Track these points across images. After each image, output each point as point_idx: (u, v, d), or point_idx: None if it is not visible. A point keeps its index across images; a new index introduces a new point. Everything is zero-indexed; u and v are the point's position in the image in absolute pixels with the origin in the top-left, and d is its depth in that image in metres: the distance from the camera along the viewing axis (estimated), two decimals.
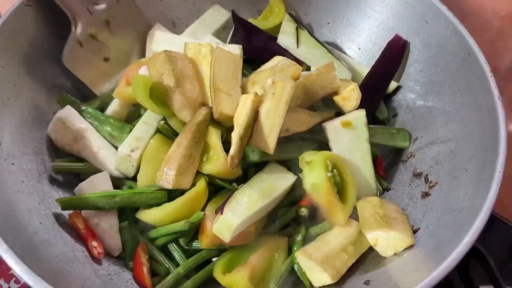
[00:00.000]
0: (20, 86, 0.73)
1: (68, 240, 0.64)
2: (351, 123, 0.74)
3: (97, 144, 0.74)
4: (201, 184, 0.68)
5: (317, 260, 0.63)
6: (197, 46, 0.76)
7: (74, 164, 0.75)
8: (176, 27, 0.94)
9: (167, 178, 0.66)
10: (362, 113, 0.75)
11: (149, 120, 0.74)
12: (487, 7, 1.22)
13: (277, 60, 0.79)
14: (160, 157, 0.70)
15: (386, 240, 0.64)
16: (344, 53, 0.92)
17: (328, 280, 0.63)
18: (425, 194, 0.71)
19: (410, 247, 0.64)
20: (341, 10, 0.92)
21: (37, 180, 0.69)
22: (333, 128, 0.73)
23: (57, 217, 0.67)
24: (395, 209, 0.68)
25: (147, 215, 0.68)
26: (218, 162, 0.68)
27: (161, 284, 0.65)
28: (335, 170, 0.69)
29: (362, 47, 0.91)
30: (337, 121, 0.73)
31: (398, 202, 0.74)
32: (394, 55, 0.84)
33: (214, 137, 0.70)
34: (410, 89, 0.83)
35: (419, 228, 0.67)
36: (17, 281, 0.81)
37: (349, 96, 0.75)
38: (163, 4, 0.92)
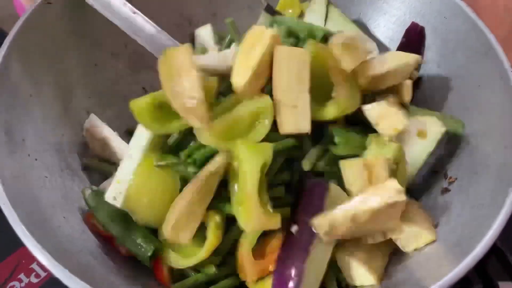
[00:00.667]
0: (41, 82, 0.73)
1: (90, 235, 0.65)
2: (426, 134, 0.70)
3: (120, 151, 0.74)
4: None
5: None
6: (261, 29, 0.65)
7: (103, 164, 0.76)
8: (192, 25, 0.94)
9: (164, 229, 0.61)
10: (442, 129, 0.70)
11: (134, 152, 0.66)
12: (499, 4, 1.22)
13: None
14: (150, 186, 0.63)
15: (408, 235, 0.64)
16: None
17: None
18: (445, 190, 0.71)
19: (431, 243, 0.64)
20: (357, 6, 0.92)
21: (59, 175, 0.70)
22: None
23: (79, 211, 0.68)
24: (417, 205, 0.68)
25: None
26: (249, 220, 0.58)
27: (181, 283, 0.66)
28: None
29: (378, 44, 0.91)
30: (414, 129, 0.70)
31: (418, 198, 0.74)
32: (413, 42, 0.83)
33: (249, 183, 0.58)
34: (429, 84, 0.83)
35: (439, 224, 0.68)
36: (38, 275, 0.83)
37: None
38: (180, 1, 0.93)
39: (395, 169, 0.65)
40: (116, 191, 0.64)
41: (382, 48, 0.88)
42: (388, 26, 0.89)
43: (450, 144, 0.74)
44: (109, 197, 0.65)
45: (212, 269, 0.63)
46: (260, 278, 0.63)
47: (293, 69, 0.61)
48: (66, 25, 0.78)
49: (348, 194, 0.64)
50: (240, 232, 0.62)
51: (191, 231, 0.60)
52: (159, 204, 0.63)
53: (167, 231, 0.60)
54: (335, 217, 0.59)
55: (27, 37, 0.72)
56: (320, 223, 0.60)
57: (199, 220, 0.61)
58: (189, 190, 0.60)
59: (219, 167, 0.60)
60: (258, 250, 0.63)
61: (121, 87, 0.87)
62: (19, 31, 0.70)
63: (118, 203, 0.64)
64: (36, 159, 0.67)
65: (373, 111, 0.68)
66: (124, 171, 0.65)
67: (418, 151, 0.70)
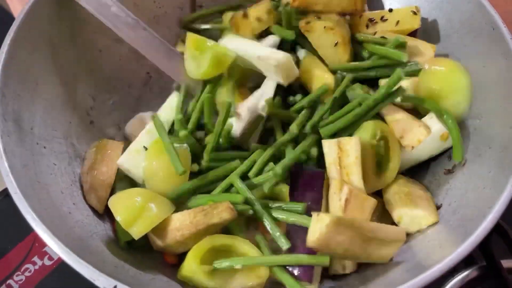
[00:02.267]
0: (47, 70, 0.74)
1: (99, 220, 0.67)
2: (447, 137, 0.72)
3: None
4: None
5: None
6: None
7: None
8: (195, 7, 0.94)
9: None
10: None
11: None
12: None
13: None
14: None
15: (411, 217, 0.65)
16: None
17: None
18: (448, 171, 0.71)
19: (434, 224, 0.65)
20: None
21: (68, 163, 0.72)
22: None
23: None
24: (419, 187, 0.69)
25: None
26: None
27: None
28: (382, 142, 0.68)
29: None
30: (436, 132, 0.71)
31: (421, 179, 0.74)
32: None
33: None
34: None
35: (442, 205, 0.68)
36: (51, 258, 0.85)
37: None
38: None
39: (383, 149, 0.68)
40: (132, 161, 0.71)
41: None
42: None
43: None
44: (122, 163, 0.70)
45: None
46: None
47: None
48: (70, 12, 0.78)
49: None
50: None
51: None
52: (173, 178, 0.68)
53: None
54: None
55: (32, 26, 0.72)
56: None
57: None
58: (186, 227, 0.63)
59: (228, 219, 0.63)
60: None
61: (125, 73, 0.87)
62: (24, 19, 0.71)
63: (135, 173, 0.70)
64: (44, 147, 0.69)
65: (398, 125, 0.70)
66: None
67: (434, 148, 0.72)
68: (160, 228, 0.64)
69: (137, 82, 0.89)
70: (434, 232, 0.65)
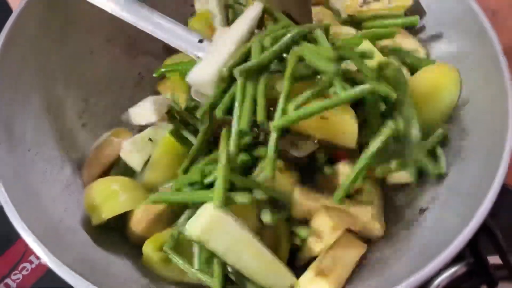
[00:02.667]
0: (39, 75, 0.75)
1: (91, 226, 0.68)
2: None
3: None
4: None
5: None
6: None
7: None
8: (187, 4, 0.94)
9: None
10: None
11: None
12: None
13: None
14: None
15: None
16: None
17: None
18: (435, 177, 0.72)
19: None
20: None
21: (60, 167, 0.73)
22: None
23: (80, 202, 0.71)
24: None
25: None
26: None
27: None
28: None
29: None
30: None
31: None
32: None
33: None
34: None
35: (427, 208, 0.69)
36: None
37: None
38: None
39: None
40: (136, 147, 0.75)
41: None
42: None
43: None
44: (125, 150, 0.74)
45: None
46: None
47: None
48: (59, 14, 0.78)
49: None
50: None
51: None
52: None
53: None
54: None
55: (22, 31, 0.73)
56: None
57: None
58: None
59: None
60: None
61: (117, 74, 0.88)
62: (13, 25, 0.71)
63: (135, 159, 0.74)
64: (36, 153, 0.70)
65: None
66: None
67: None
68: (128, 222, 0.69)
69: (129, 82, 0.89)
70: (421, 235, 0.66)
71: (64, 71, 0.80)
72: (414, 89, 0.72)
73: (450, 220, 0.64)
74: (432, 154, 0.71)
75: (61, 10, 0.78)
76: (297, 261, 0.69)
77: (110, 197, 0.68)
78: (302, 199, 0.67)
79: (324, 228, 0.65)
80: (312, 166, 0.70)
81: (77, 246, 0.63)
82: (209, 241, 0.58)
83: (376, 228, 0.69)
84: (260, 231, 0.65)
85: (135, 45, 0.89)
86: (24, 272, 0.87)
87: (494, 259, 0.84)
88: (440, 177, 0.71)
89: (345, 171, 0.68)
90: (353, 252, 0.68)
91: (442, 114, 0.74)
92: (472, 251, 0.86)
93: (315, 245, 0.66)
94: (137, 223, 0.68)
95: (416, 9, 0.83)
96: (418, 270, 0.56)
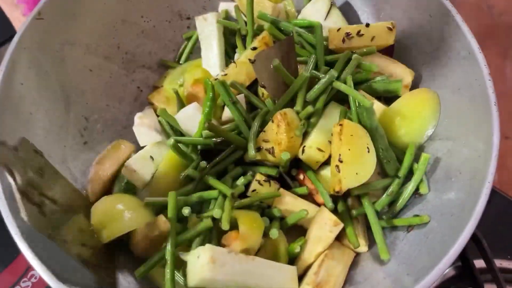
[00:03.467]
0: (40, 98, 0.77)
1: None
2: None
3: None
4: None
5: None
6: None
7: None
8: (182, 19, 0.95)
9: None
10: None
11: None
12: None
13: None
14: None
15: None
16: None
17: None
18: (420, 195, 0.76)
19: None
20: None
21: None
22: None
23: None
24: None
25: None
26: None
27: None
28: None
29: None
30: None
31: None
32: None
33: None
34: (413, 81, 0.84)
35: (413, 227, 0.73)
36: None
37: None
38: None
39: None
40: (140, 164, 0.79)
41: None
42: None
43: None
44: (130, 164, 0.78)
45: None
46: None
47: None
48: (58, 36, 0.81)
49: None
50: None
51: None
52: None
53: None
54: None
55: (23, 54, 0.75)
56: None
57: None
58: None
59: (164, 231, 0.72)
60: None
61: (116, 89, 0.90)
62: (15, 50, 0.73)
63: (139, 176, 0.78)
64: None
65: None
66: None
67: None
68: (131, 239, 0.74)
69: (128, 97, 0.92)
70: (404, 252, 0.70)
71: (64, 90, 0.82)
72: (395, 114, 0.78)
73: (436, 237, 0.68)
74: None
75: (58, 33, 0.80)
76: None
77: (115, 217, 0.71)
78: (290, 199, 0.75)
79: (327, 222, 0.71)
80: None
81: (79, 269, 0.66)
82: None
83: (361, 244, 0.73)
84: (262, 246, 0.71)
85: (132, 61, 0.92)
86: (33, 280, 0.91)
87: (479, 263, 0.89)
88: (425, 195, 0.75)
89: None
90: (344, 261, 0.72)
91: (421, 136, 0.78)
92: (459, 256, 0.91)
93: (315, 248, 0.72)
94: (138, 244, 0.71)
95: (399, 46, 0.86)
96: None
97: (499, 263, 0.91)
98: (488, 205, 0.97)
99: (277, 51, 0.77)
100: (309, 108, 0.75)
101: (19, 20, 1.14)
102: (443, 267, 0.60)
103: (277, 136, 0.73)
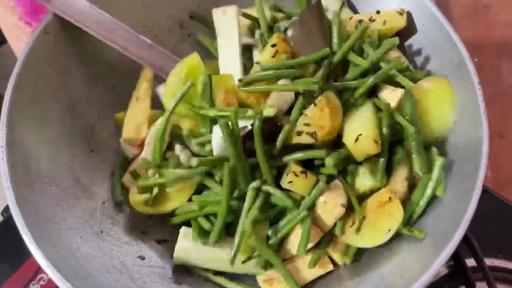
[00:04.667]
0: (49, 110, 0.80)
1: (106, 250, 0.76)
2: None
3: None
4: None
5: None
6: None
7: None
8: (183, 28, 0.98)
9: None
10: None
11: None
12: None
13: None
14: None
15: None
16: None
17: None
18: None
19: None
20: None
21: (74, 195, 0.79)
22: None
23: (92, 227, 0.78)
24: None
25: None
26: None
27: None
28: None
29: None
30: None
31: None
32: None
33: None
34: None
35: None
36: None
37: None
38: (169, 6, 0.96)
39: None
40: None
41: None
42: None
43: None
44: None
45: None
46: None
47: None
48: (65, 49, 0.84)
49: None
50: None
51: None
52: None
53: None
54: None
55: (32, 70, 0.77)
56: None
57: None
58: None
59: None
60: None
61: (122, 97, 0.92)
62: (22, 65, 0.76)
63: None
64: (51, 186, 0.76)
65: None
66: None
67: None
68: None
69: None
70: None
71: (72, 103, 0.85)
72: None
73: (428, 241, 0.71)
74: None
75: (64, 46, 0.83)
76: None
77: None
78: None
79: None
80: None
81: (94, 273, 0.70)
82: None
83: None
84: None
85: (136, 69, 0.94)
86: (42, 283, 0.95)
87: (471, 262, 0.92)
88: None
89: None
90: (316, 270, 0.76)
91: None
92: (452, 255, 0.94)
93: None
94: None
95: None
96: None
97: (491, 261, 0.95)
98: (480, 204, 1.01)
99: (310, 17, 0.77)
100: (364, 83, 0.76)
101: (15, 25, 1.14)
102: (435, 270, 0.64)
103: (320, 120, 0.73)
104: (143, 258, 0.79)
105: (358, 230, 0.73)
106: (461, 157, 0.74)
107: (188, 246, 0.77)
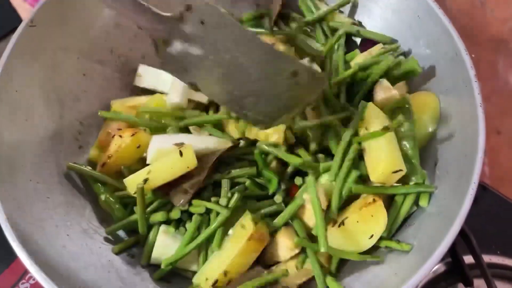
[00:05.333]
0: (35, 105, 0.78)
1: (94, 249, 0.74)
2: None
3: None
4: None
5: None
6: None
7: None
8: None
9: None
10: None
11: None
12: None
13: None
14: None
15: None
16: None
17: None
18: None
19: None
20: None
21: (60, 193, 0.77)
22: None
23: (80, 225, 0.76)
24: None
25: None
26: None
27: None
28: None
29: None
30: None
31: None
32: None
33: None
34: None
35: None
36: None
37: None
38: None
39: None
40: None
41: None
42: (365, 21, 0.91)
43: None
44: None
45: None
46: None
47: None
48: (51, 42, 0.81)
49: None
50: None
51: None
52: None
53: None
54: None
55: (17, 64, 0.76)
56: None
57: None
58: None
59: None
60: None
61: (110, 93, 0.91)
62: (8, 59, 0.74)
63: None
64: (37, 182, 0.74)
65: None
66: None
67: None
68: None
69: None
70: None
71: (59, 96, 0.83)
72: None
73: (423, 237, 0.69)
74: None
75: (51, 39, 0.81)
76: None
77: None
78: None
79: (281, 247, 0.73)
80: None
81: (80, 272, 0.68)
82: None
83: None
84: None
85: (126, 64, 0.92)
86: (32, 281, 0.93)
87: (469, 259, 0.90)
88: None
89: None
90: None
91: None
92: (450, 252, 0.93)
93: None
94: None
95: None
96: None
97: (489, 258, 0.93)
98: (478, 201, 0.99)
99: None
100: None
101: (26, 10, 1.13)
102: (430, 266, 0.62)
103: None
104: (132, 257, 0.77)
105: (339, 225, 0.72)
106: (458, 152, 0.72)
107: (167, 243, 0.75)
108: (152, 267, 0.76)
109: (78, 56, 0.86)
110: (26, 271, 0.94)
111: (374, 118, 0.74)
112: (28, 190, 0.72)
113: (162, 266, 0.73)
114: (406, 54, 0.86)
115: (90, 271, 0.69)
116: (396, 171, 0.71)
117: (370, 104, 0.76)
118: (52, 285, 0.61)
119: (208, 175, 0.74)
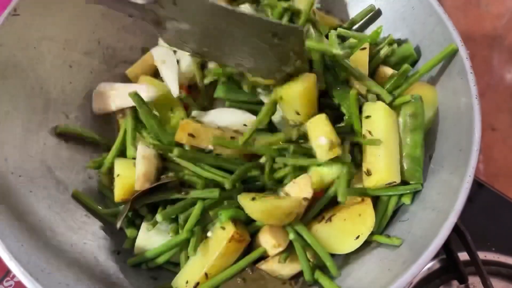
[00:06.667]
0: (18, 96, 0.76)
1: (79, 245, 0.71)
2: None
3: None
4: None
5: None
6: None
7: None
8: None
9: None
10: None
11: None
12: None
13: None
14: None
15: None
16: None
17: None
18: None
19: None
20: None
21: (44, 187, 0.74)
22: None
23: (65, 221, 0.74)
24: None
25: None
26: None
27: None
28: None
29: None
30: None
31: None
32: None
33: None
34: None
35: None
36: None
37: None
38: None
39: None
40: None
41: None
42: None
43: None
44: None
45: None
46: None
47: None
48: (36, 32, 0.79)
49: None
50: None
51: None
52: None
53: None
54: None
55: (0, 53, 0.73)
56: None
57: None
58: None
59: None
60: None
61: (97, 84, 0.88)
62: None
63: None
64: (20, 176, 0.72)
65: None
66: None
67: None
68: None
69: None
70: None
71: (43, 87, 0.81)
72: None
73: (417, 232, 0.68)
74: None
75: (35, 29, 0.79)
76: None
77: None
78: None
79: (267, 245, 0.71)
80: None
81: (63, 268, 0.66)
82: None
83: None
84: None
85: (113, 56, 0.90)
86: (16, 279, 0.90)
87: (464, 256, 0.89)
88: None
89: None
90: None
91: None
92: (444, 249, 0.91)
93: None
94: None
95: None
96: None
97: (484, 255, 0.92)
98: (473, 198, 0.97)
99: None
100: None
101: None
102: (424, 262, 0.60)
103: None
104: (118, 253, 0.75)
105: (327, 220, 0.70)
106: (453, 145, 0.71)
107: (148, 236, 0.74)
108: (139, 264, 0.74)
109: (64, 47, 0.83)
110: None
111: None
112: (10, 183, 0.70)
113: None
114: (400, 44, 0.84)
115: (74, 267, 0.67)
116: (390, 183, 0.71)
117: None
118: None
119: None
